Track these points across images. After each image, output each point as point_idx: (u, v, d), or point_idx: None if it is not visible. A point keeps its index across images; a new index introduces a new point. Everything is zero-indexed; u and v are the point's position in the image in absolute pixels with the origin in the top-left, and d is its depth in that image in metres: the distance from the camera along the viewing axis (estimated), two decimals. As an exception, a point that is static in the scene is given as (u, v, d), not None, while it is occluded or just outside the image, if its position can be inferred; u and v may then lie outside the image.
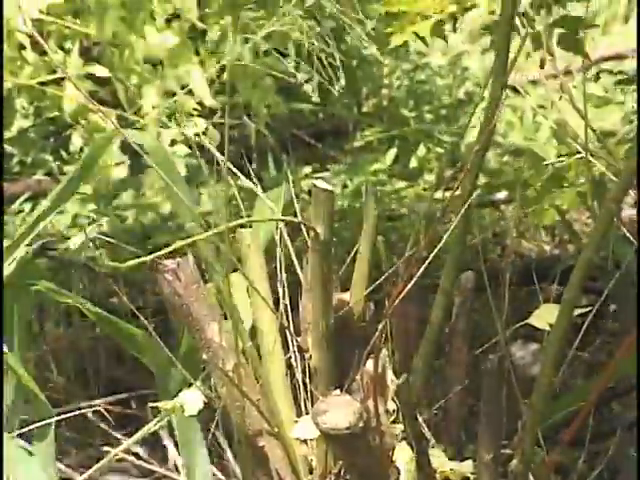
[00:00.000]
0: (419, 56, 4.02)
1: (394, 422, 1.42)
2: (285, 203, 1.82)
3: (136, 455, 2.17)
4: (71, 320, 2.47)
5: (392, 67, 3.93)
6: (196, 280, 1.49)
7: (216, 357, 1.49)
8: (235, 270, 1.52)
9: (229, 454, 2.06)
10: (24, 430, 1.77)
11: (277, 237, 1.62)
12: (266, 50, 2.72)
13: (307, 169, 3.42)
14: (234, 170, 1.63)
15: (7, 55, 2.55)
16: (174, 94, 2.60)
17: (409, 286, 1.35)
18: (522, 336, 2.34)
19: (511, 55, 1.46)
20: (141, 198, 2.91)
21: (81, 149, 2.81)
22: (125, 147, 2.77)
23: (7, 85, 2.63)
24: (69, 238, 2.60)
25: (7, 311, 1.80)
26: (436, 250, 1.36)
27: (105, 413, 2.25)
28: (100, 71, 2.67)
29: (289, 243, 1.61)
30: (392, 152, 3.57)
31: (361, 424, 1.30)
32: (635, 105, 3.41)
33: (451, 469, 1.48)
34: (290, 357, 1.55)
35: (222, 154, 1.47)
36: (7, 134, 3.04)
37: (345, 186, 3.37)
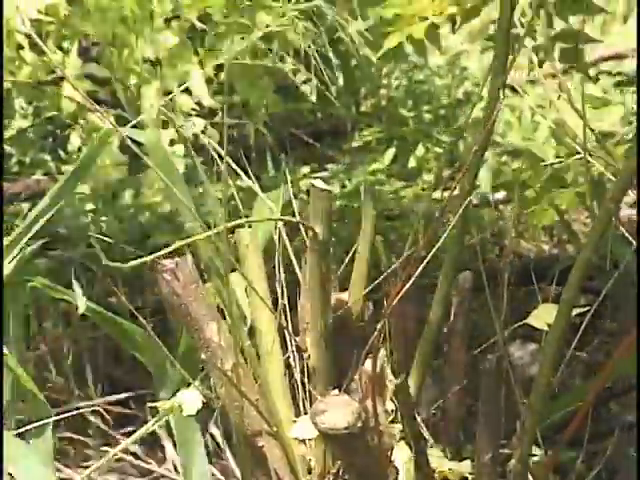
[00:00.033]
0: (417, 56, 4.01)
1: (392, 422, 1.42)
2: (283, 203, 1.82)
3: (134, 455, 2.17)
4: (70, 320, 2.46)
5: (390, 67, 3.93)
6: (195, 280, 1.49)
7: (215, 357, 1.49)
8: (234, 270, 1.52)
9: (228, 454, 2.06)
10: (23, 430, 1.77)
11: (276, 237, 1.62)
12: (265, 50, 2.72)
13: (305, 169, 3.42)
14: (234, 168, 1.63)
15: (6, 55, 2.54)
16: (171, 93, 2.60)
17: (407, 286, 1.35)
18: (520, 336, 2.34)
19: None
20: (140, 198, 2.90)
21: (79, 149, 2.81)
22: (124, 147, 2.77)
23: (6, 85, 2.62)
24: (69, 238, 2.60)
25: (6, 310, 1.80)
26: (434, 250, 1.36)
27: (104, 413, 2.25)
28: (99, 71, 2.67)
29: (288, 243, 1.61)
30: (390, 152, 3.57)
31: (359, 424, 1.30)
32: (634, 106, 3.41)
33: (449, 469, 1.48)
34: (289, 357, 1.55)
35: (221, 154, 1.47)
36: (6, 134, 3.04)
37: (343, 186, 3.36)
